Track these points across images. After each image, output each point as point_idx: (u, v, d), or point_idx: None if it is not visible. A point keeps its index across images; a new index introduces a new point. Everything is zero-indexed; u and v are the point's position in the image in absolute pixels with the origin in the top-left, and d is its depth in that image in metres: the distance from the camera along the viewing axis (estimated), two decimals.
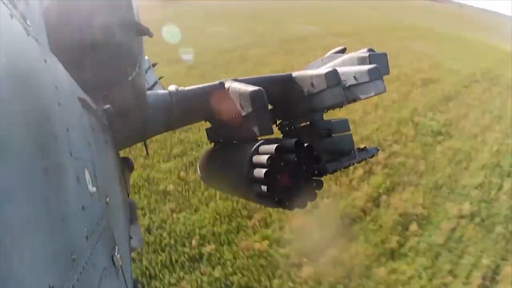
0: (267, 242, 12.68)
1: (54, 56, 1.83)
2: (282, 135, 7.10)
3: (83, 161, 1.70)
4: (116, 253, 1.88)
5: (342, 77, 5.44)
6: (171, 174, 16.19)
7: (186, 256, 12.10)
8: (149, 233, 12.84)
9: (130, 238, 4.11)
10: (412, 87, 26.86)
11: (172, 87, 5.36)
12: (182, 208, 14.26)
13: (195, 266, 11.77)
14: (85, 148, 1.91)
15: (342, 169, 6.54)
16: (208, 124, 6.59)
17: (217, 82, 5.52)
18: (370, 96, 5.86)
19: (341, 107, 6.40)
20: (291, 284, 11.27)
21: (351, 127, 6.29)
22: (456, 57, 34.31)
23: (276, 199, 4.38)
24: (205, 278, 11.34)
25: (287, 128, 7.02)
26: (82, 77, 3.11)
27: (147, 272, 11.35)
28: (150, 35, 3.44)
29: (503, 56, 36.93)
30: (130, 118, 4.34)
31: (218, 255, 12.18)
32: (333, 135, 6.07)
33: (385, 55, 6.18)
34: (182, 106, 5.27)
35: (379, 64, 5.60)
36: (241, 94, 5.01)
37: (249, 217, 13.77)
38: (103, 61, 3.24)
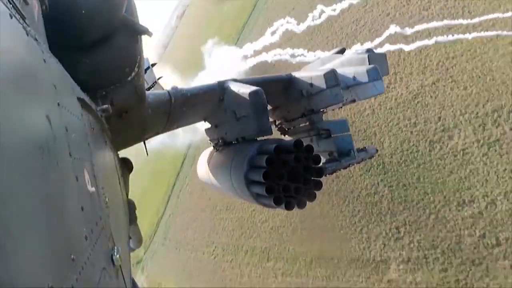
0: None
1: (54, 56, 1.82)
2: (281, 135, 7.10)
3: (82, 161, 1.69)
4: (115, 253, 1.87)
5: (341, 78, 5.44)
6: None
7: None
8: None
9: (129, 238, 4.11)
10: None
11: (171, 87, 5.35)
12: None
13: None
14: (84, 148, 1.91)
15: (342, 170, 6.54)
16: (207, 125, 6.59)
17: (216, 82, 5.51)
18: (370, 97, 5.87)
19: (341, 107, 6.40)
20: None
21: None
22: None
23: (275, 200, 4.37)
24: None
25: (286, 129, 7.02)
26: (82, 77, 3.11)
27: None
28: (149, 34, 3.43)
29: None
30: (130, 118, 4.33)
31: None
32: (332, 135, 6.07)
33: (384, 55, 6.19)
34: (181, 106, 5.26)
35: (378, 64, 5.61)
36: (240, 95, 5.01)
37: None
38: (102, 62, 3.24)
